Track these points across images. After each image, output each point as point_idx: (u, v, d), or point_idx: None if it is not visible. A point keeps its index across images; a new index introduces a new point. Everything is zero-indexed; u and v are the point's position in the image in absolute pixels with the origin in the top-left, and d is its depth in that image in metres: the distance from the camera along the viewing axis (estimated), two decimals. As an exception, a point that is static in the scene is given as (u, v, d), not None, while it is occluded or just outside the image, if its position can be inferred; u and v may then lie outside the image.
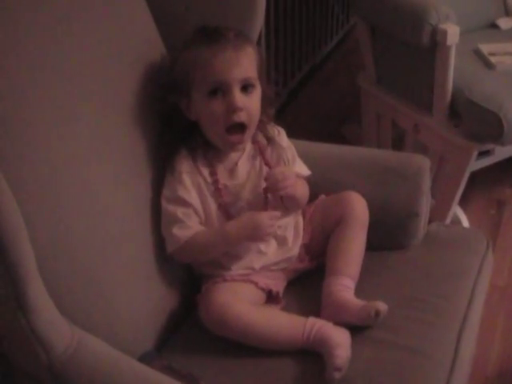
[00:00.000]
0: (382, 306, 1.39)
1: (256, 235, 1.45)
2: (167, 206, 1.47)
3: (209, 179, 1.49)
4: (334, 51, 4.00)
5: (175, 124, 1.51)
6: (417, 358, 1.36)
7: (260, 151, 1.54)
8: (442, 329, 1.43)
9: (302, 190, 1.57)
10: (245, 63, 1.44)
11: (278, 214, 1.47)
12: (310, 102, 3.51)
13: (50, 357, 1.16)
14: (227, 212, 1.49)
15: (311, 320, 1.39)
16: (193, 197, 1.47)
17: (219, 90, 1.43)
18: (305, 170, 1.61)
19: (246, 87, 1.45)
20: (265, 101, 1.52)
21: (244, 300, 1.43)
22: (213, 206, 1.49)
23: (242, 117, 1.44)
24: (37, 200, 1.22)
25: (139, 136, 1.48)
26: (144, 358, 1.34)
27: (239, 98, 1.43)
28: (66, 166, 1.29)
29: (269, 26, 2.99)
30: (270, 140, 1.56)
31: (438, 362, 1.36)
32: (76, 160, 1.32)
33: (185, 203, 1.46)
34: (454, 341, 1.41)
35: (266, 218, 1.44)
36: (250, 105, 1.45)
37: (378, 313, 1.39)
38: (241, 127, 1.46)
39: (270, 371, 1.36)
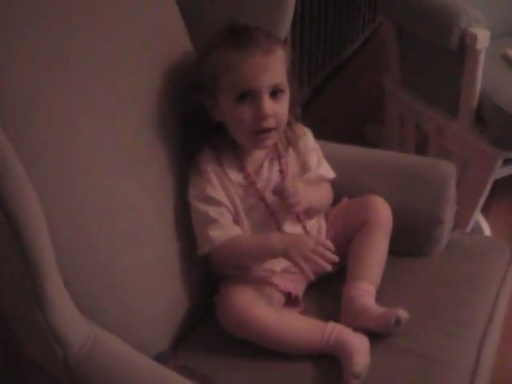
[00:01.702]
0: (403, 314, 1.37)
1: (294, 252, 1.40)
2: (198, 205, 1.45)
3: (238, 179, 1.47)
4: (360, 50, 3.98)
5: (200, 123, 1.48)
6: (436, 367, 1.34)
7: (277, 157, 1.52)
8: (463, 339, 1.41)
9: (317, 198, 1.54)
10: (275, 69, 1.41)
11: (329, 244, 1.43)
12: (333, 101, 3.49)
13: (66, 353, 1.15)
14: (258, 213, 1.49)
15: (330, 325, 1.38)
16: (221, 195, 1.45)
17: (248, 95, 1.40)
18: (330, 173, 1.60)
19: (275, 92, 1.42)
20: (293, 102, 1.49)
21: (263, 302, 1.42)
22: (240, 207, 1.47)
23: (270, 123, 1.42)
24: (56, 194, 1.21)
25: (163, 135, 1.47)
26: (160, 358, 1.33)
27: (268, 105, 1.40)
28: (86, 161, 1.28)
29: (295, 24, 2.97)
30: (291, 143, 1.54)
31: (459, 372, 1.34)
32: (97, 155, 1.31)
33: (215, 202, 1.44)
34: (475, 352, 1.39)
35: (310, 241, 1.41)
36: (278, 110, 1.42)
37: (398, 320, 1.37)
38: (269, 130, 1.44)
39: (286, 375, 1.35)
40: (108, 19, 1.40)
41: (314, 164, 1.57)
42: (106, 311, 1.29)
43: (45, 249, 1.08)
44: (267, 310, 1.40)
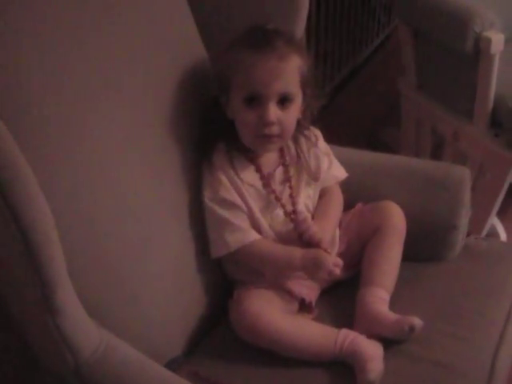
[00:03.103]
0: (417, 322, 1.36)
1: (312, 270, 1.41)
2: (213, 207, 1.44)
3: (249, 180, 1.46)
4: (375, 54, 3.96)
5: (215, 120, 1.48)
6: (450, 375, 1.32)
7: (283, 164, 1.52)
8: (478, 346, 1.40)
9: (330, 227, 1.53)
10: (287, 77, 1.40)
11: (341, 263, 1.42)
12: (349, 104, 3.47)
13: (76, 359, 1.14)
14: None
15: (344, 332, 1.37)
16: (235, 196, 1.44)
17: (255, 98, 1.40)
18: (342, 173, 1.60)
19: (283, 101, 1.41)
20: (308, 107, 1.49)
21: (276, 308, 1.41)
22: (254, 207, 1.46)
23: (273, 130, 1.41)
24: (66, 199, 1.20)
25: (178, 134, 1.46)
26: (172, 364, 1.33)
27: (274, 112, 1.39)
28: (97, 165, 1.27)
29: (310, 27, 2.96)
30: (302, 150, 1.53)
31: (473, 380, 1.32)
32: (108, 158, 1.30)
33: (230, 204, 1.44)
34: (490, 359, 1.37)
35: (331, 261, 1.40)
36: (284, 119, 1.41)
37: (412, 328, 1.36)
38: (271, 136, 1.43)
39: (299, 381, 1.34)
40: (122, 19, 1.40)
41: (324, 168, 1.56)
42: (118, 317, 1.28)
43: (55, 257, 1.07)
44: (280, 316, 1.40)
